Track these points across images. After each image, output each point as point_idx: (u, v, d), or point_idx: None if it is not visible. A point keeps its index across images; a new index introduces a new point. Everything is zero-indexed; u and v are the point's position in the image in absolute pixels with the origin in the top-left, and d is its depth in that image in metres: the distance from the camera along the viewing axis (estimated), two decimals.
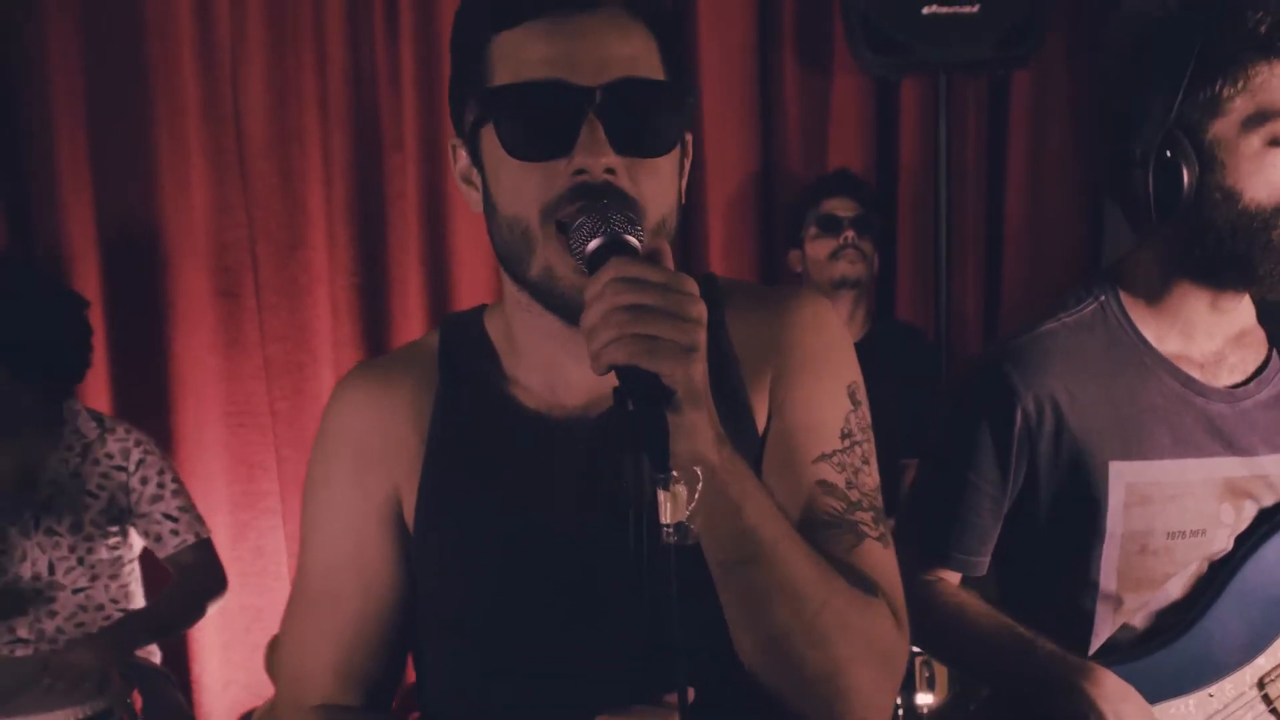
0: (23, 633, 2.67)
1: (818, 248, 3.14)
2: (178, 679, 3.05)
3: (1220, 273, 1.53)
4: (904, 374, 3.05)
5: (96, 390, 3.16)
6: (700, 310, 0.93)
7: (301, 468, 3.24)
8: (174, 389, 3.28)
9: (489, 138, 1.10)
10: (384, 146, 3.36)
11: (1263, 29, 1.44)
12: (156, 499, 2.77)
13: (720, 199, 3.51)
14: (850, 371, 1.23)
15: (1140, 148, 1.48)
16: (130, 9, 3.17)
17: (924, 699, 2.68)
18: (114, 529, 2.76)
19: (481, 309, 1.28)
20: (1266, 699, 1.59)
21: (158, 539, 2.78)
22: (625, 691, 1.07)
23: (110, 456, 2.76)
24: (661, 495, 0.93)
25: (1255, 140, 1.45)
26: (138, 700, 2.61)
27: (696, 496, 0.97)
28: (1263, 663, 1.58)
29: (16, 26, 3.10)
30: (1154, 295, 1.59)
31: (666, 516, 0.94)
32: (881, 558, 1.16)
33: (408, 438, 1.21)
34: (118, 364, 3.26)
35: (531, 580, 1.13)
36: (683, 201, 1.16)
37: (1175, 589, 1.59)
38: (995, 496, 1.61)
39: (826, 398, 1.20)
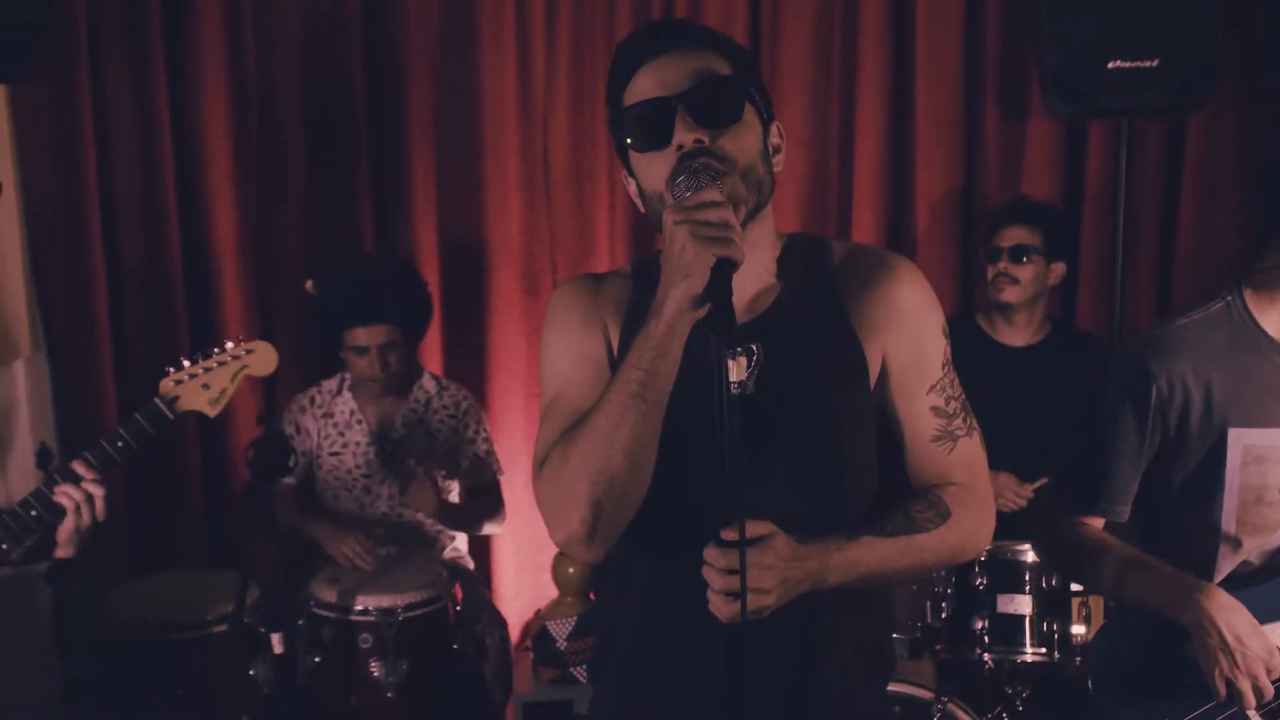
0: (378, 534, 3.28)
1: (987, 272, 3.39)
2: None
3: None
4: (1076, 374, 3.17)
5: (434, 364, 3.76)
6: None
7: None
8: (489, 364, 3.87)
9: (632, 153, 1.49)
10: None
11: None
12: (470, 441, 3.38)
13: (926, 218, 3.87)
14: (940, 315, 1.55)
15: None
16: (470, 74, 3.76)
17: (1078, 629, 2.82)
18: (444, 463, 3.38)
19: (658, 253, 1.54)
20: None
21: (465, 473, 3.38)
22: (716, 505, 1.31)
23: (445, 407, 3.38)
24: (730, 363, 1.28)
25: None
26: (459, 592, 3.18)
27: (753, 363, 1.44)
28: None
29: (390, 93, 3.77)
30: (1276, 287, 1.74)
31: (733, 376, 1.31)
32: (966, 448, 1.53)
33: (613, 314, 1.56)
34: (449, 343, 3.85)
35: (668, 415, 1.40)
36: (776, 169, 1.51)
37: None
38: (1134, 458, 1.78)
39: (930, 338, 1.53)
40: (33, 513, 2.16)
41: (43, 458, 2.77)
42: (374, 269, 3.38)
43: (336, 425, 3.37)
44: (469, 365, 3.88)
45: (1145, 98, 3.31)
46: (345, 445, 3.35)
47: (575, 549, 1.42)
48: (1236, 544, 1.74)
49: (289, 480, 3.35)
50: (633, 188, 1.55)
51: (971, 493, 1.52)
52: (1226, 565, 1.75)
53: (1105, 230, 3.70)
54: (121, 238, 3.59)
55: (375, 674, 2.89)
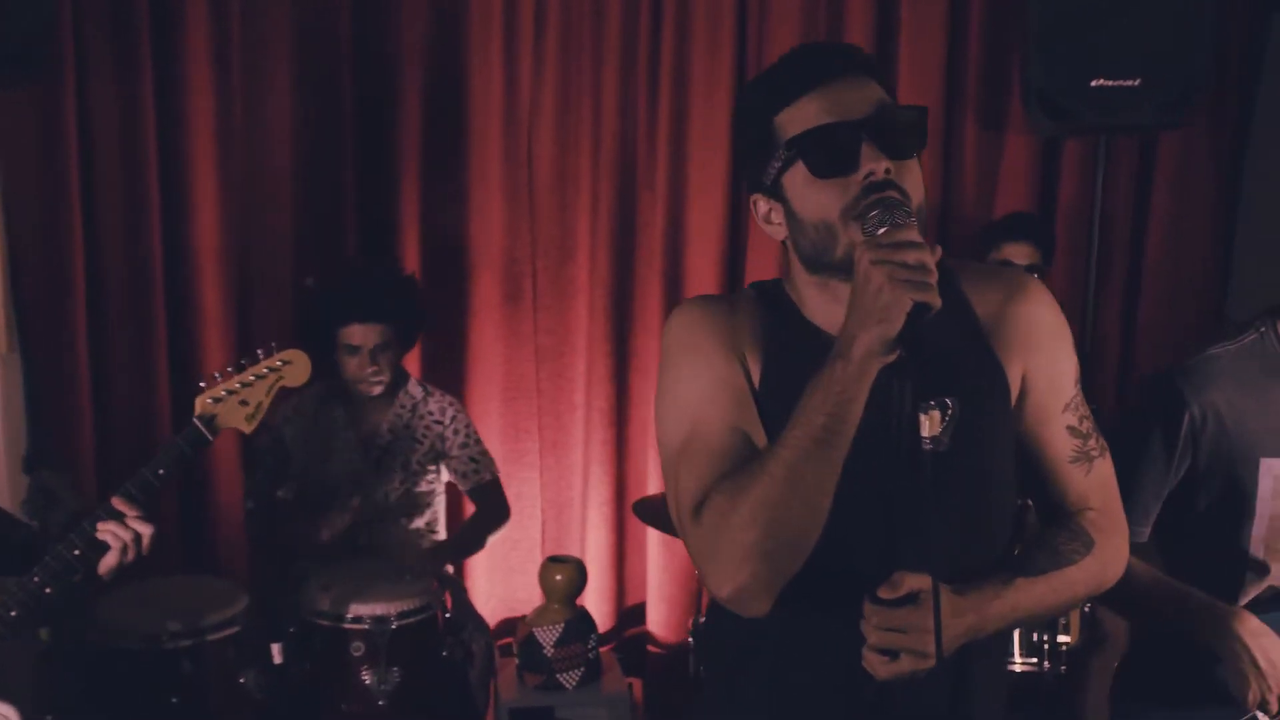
0: (363, 542, 3.27)
1: None
2: None
3: None
4: None
5: (413, 366, 3.70)
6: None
7: (556, 434, 3.91)
8: (469, 368, 3.86)
9: (792, 176, 1.39)
10: (638, 187, 3.87)
11: None
12: (465, 446, 3.36)
13: None
14: (1069, 333, 1.51)
15: None
16: (457, 78, 3.74)
17: (1065, 639, 2.86)
18: (432, 468, 3.35)
19: (779, 280, 1.54)
20: None
21: (464, 476, 3.37)
22: (885, 560, 1.33)
23: (431, 413, 3.35)
24: (923, 417, 1.27)
25: None
26: (448, 599, 3.17)
27: (947, 419, 1.35)
28: None
29: (377, 96, 3.74)
30: None
31: (926, 432, 1.29)
32: (1101, 468, 1.50)
33: (750, 345, 1.46)
34: (429, 345, 3.79)
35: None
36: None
37: None
38: (1159, 482, 1.79)
39: (1065, 357, 1.50)
40: (75, 552, 2.05)
41: (29, 462, 2.71)
42: (375, 269, 3.38)
43: (322, 434, 3.33)
44: (448, 368, 3.86)
45: (1128, 115, 3.36)
46: (331, 453, 3.32)
47: (743, 603, 1.33)
48: (1264, 570, 1.78)
49: (283, 494, 3.31)
50: (765, 210, 1.46)
51: (1109, 516, 1.50)
52: (1252, 590, 1.78)
53: (1079, 243, 3.76)
54: (102, 240, 3.52)
55: (367, 681, 2.87)
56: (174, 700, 2.71)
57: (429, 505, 3.40)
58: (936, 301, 1.24)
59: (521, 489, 3.95)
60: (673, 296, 3.92)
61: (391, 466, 3.31)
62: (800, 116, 1.37)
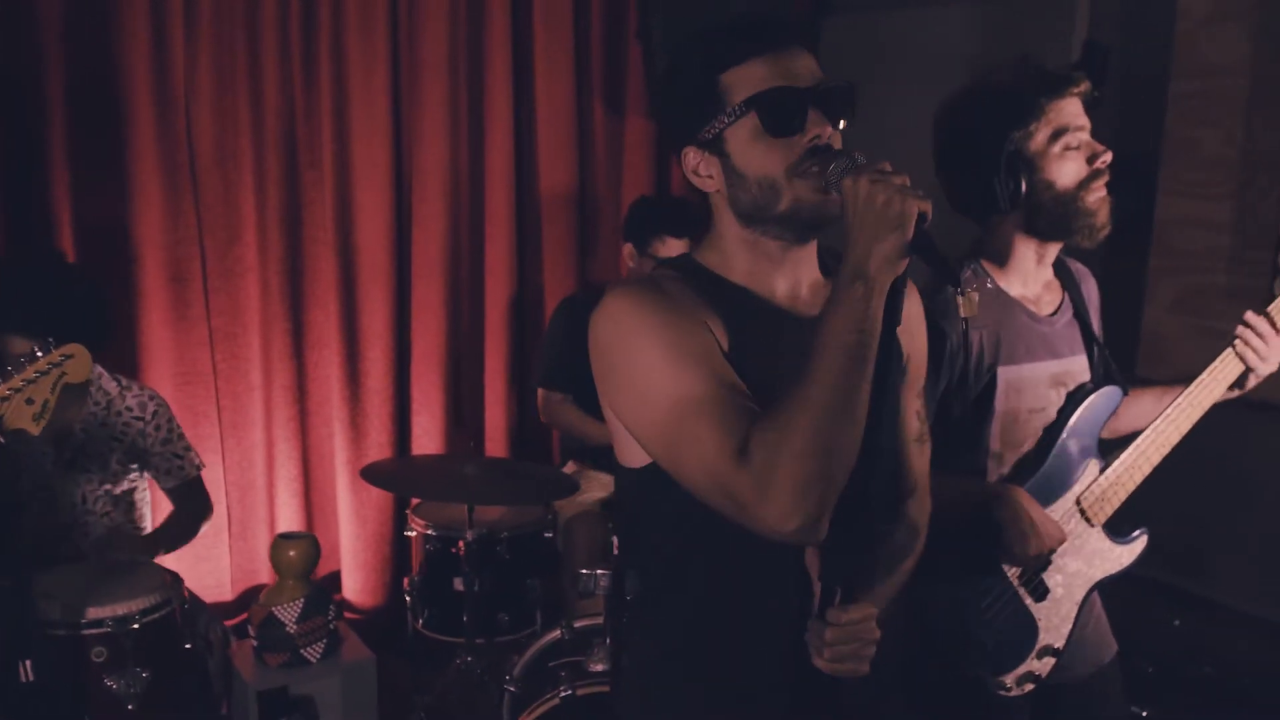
0: (64, 551, 2.86)
1: (644, 265, 3.40)
2: None
3: (1051, 232, 1.94)
4: None
5: None
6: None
7: (235, 416, 3.65)
8: (140, 354, 3.50)
9: (737, 133, 1.39)
10: (302, 165, 3.71)
11: (1050, 79, 1.89)
12: (166, 442, 3.04)
13: (549, 203, 4.10)
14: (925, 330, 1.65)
15: (991, 169, 1.86)
16: (106, 58, 3.34)
17: None
18: (133, 466, 3.01)
19: (686, 255, 1.53)
20: (1082, 512, 2.00)
21: (166, 474, 3.05)
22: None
23: (130, 409, 3.00)
24: (960, 300, 1.40)
25: (1057, 149, 1.89)
26: (185, 590, 2.80)
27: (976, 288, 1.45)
28: (1077, 488, 2.00)
29: (23, 68, 3.25)
30: (1004, 258, 1.99)
31: (964, 313, 1.39)
32: (928, 451, 1.64)
33: (704, 310, 1.41)
34: None
35: None
36: None
37: (1027, 445, 1.99)
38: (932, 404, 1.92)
39: (923, 346, 1.65)
40: None
41: None
42: (31, 276, 2.84)
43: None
44: (116, 356, 3.40)
45: None
46: (17, 455, 2.84)
47: (809, 532, 1.29)
48: (1000, 459, 1.99)
49: None
50: (695, 162, 1.45)
51: (928, 493, 1.65)
52: (993, 477, 1.99)
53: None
54: None
55: (114, 689, 2.54)
56: None
57: (132, 506, 3.05)
58: (930, 209, 1.28)
59: (203, 474, 3.60)
60: (346, 270, 3.81)
61: (87, 468, 2.93)
62: (750, 77, 1.38)
